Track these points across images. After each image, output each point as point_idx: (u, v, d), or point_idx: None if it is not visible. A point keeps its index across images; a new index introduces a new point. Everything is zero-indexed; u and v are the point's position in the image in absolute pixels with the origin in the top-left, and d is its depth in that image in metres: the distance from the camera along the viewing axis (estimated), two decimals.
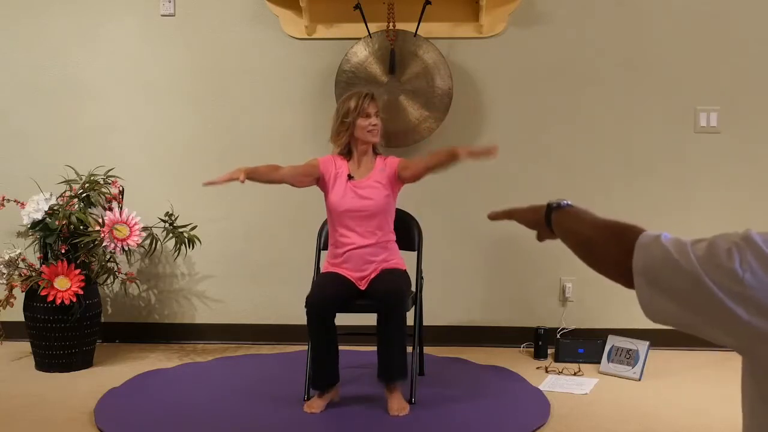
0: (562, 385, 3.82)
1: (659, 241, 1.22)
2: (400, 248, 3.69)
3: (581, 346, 4.19)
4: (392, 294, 3.41)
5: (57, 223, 3.96)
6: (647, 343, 4.00)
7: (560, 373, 4.01)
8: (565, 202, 1.49)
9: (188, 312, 4.60)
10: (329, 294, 3.45)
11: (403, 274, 3.57)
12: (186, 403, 3.56)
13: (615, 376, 3.96)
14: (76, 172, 4.13)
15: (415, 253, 3.80)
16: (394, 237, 3.65)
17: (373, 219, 3.55)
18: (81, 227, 3.98)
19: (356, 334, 3.78)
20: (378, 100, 3.63)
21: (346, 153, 3.62)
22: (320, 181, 3.61)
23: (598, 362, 4.07)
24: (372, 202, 3.54)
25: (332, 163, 3.61)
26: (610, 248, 1.30)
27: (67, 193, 4.08)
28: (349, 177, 3.57)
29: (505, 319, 4.48)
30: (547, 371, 4.04)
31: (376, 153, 3.65)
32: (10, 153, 4.54)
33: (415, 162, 3.64)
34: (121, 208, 4.04)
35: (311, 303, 3.39)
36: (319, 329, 3.41)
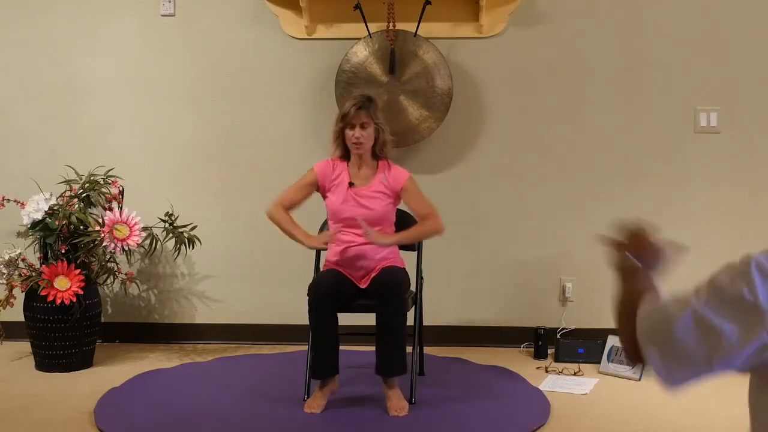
0: (562, 385, 3.82)
1: (656, 307, 1.22)
2: (400, 248, 3.69)
3: (581, 346, 4.19)
4: (391, 285, 3.43)
5: (57, 223, 3.96)
6: None
7: (560, 373, 4.01)
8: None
9: (188, 312, 4.60)
10: (331, 283, 3.47)
11: (403, 271, 3.57)
12: (186, 403, 3.56)
13: (615, 376, 3.96)
14: (76, 172, 4.13)
15: (415, 253, 3.79)
16: None
17: (374, 226, 3.54)
18: (81, 227, 3.98)
19: (356, 334, 3.78)
20: (372, 109, 3.54)
21: (345, 156, 3.62)
22: (319, 189, 3.62)
23: (598, 362, 4.07)
24: (373, 212, 3.53)
25: (330, 168, 3.60)
26: (625, 329, 1.33)
27: (67, 193, 4.08)
28: (351, 184, 3.56)
29: (505, 319, 4.48)
30: (547, 371, 4.04)
31: (378, 158, 3.61)
32: (10, 153, 4.55)
33: (415, 208, 3.62)
34: (121, 208, 4.04)
35: (313, 290, 3.41)
36: (320, 317, 3.41)
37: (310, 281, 3.63)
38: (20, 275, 4.05)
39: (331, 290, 3.44)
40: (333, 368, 3.48)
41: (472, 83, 4.40)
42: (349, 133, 3.53)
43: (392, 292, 3.41)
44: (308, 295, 3.42)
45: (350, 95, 3.72)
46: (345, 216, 3.54)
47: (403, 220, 3.80)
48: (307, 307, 3.43)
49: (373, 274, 3.53)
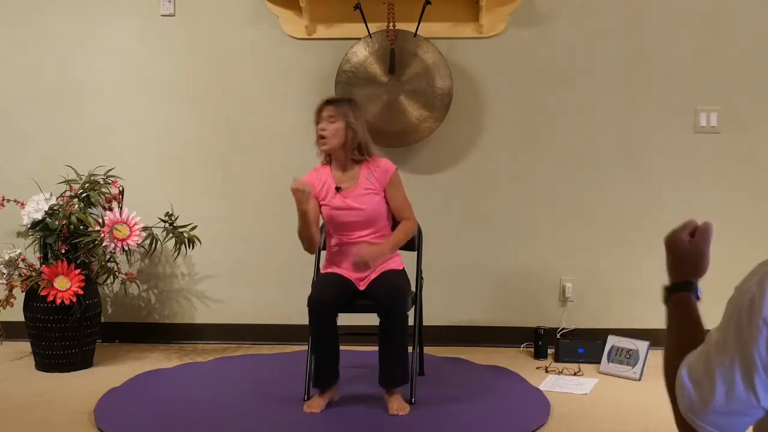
0: (562, 385, 3.82)
1: (683, 379, 1.27)
2: (400, 248, 3.68)
3: (581, 346, 4.19)
4: (392, 297, 3.40)
5: (57, 223, 3.96)
6: (647, 343, 4.00)
7: (560, 373, 4.01)
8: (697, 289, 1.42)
9: (188, 312, 4.60)
10: (330, 293, 3.44)
11: (402, 274, 3.56)
12: (186, 403, 3.56)
13: (615, 376, 3.96)
14: (76, 172, 4.13)
15: (415, 253, 3.79)
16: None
17: (369, 226, 3.53)
18: (81, 227, 3.98)
19: (356, 334, 3.78)
20: (343, 106, 3.50)
21: (328, 160, 3.60)
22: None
23: (598, 362, 4.07)
24: (366, 211, 3.51)
25: (317, 177, 3.58)
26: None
27: (67, 193, 4.08)
28: (338, 189, 3.53)
29: (505, 319, 4.48)
30: (547, 371, 4.04)
31: (359, 160, 3.54)
32: (10, 153, 4.55)
33: (396, 204, 3.57)
34: (121, 208, 4.04)
35: (313, 303, 3.39)
36: (320, 328, 3.40)
37: (310, 283, 3.64)
38: (20, 275, 4.05)
39: (330, 301, 3.40)
40: (333, 377, 3.48)
41: (472, 83, 4.40)
42: (316, 128, 3.51)
43: (392, 304, 3.38)
44: (308, 305, 3.39)
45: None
46: (339, 221, 3.53)
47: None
48: (306, 307, 3.42)
49: (372, 276, 3.52)
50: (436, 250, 4.23)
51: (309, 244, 3.51)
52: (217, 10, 4.44)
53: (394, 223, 3.65)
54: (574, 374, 3.98)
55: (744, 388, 1.20)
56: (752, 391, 1.19)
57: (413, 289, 3.63)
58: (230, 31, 4.45)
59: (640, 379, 3.91)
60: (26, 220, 4.04)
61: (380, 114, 4.27)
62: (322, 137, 3.49)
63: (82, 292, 3.94)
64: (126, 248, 4.02)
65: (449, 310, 4.47)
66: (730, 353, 1.21)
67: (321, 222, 3.68)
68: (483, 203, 4.45)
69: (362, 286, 3.52)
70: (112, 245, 3.96)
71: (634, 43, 4.34)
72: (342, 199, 3.52)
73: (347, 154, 3.53)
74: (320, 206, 3.58)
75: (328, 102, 3.53)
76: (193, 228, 4.18)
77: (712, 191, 4.37)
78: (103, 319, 4.30)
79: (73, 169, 4.13)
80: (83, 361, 4.09)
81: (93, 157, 4.33)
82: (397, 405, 3.40)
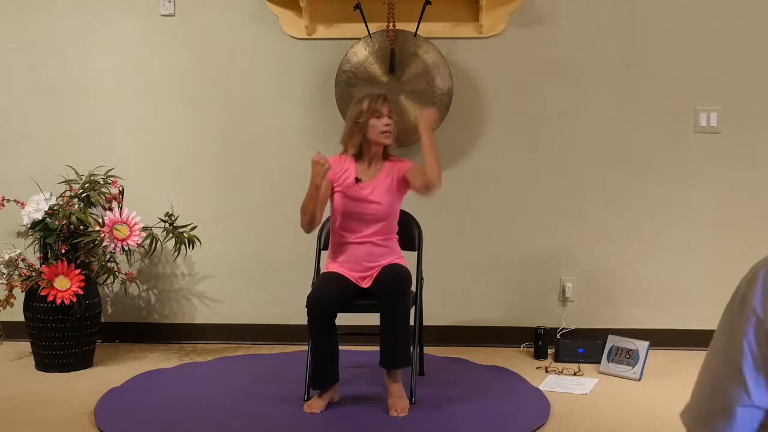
0: (562, 385, 3.82)
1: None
2: (400, 248, 3.68)
3: (581, 346, 4.19)
4: (395, 279, 3.43)
5: (57, 223, 3.95)
6: (647, 343, 4.00)
7: (560, 373, 4.01)
8: None
9: (188, 312, 4.60)
10: (330, 294, 3.44)
11: (406, 270, 3.57)
12: (186, 403, 3.56)
13: (615, 376, 3.96)
14: (76, 172, 4.13)
15: (415, 253, 3.79)
16: (396, 237, 3.65)
17: (378, 223, 3.54)
18: (81, 227, 3.98)
19: (356, 334, 3.78)
20: (390, 103, 3.61)
21: (357, 154, 3.61)
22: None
23: (598, 362, 4.07)
24: (378, 206, 3.53)
25: (339, 163, 3.60)
26: None
27: (67, 193, 4.08)
28: (357, 180, 3.55)
29: (505, 319, 4.48)
30: (547, 371, 4.04)
31: (386, 156, 3.61)
32: (10, 153, 4.55)
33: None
34: (121, 208, 4.04)
35: (312, 303, 3.38)
36: (319, 329, 3.40)
37: (310, 283, 3.63)
38: (20, 275, 4.05)
39: (330, 302, 3.40)
40: (333, 378, 3.48)
41: (472, 83, 4.40)
42: (378, 122, 3.52)
43: (396, 287, 3.41)
44: (306, 307, 3.39)
45: (360, 96, 3.67)
46: (349, 211, 3.54)
47: (404, 220, 3.80)
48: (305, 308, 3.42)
49: (375, 273, 3.53)
50: (436, 250, 4.23)
51: (309, 221, 3.51)
52: (217, 10, 4.44)
53: (399, 227, 3.67)
54: (574, 374, 3.98)
55: (733, 382, 1.18)
56: (742, 384, 1.17)
57: (413, 289, 3.63)
58: (230, 31, 4.45)
59: (640, 379, 3.91)
60: (26, 220, 4.04)
61: None
62: (389, 132, 3.54)
63: (82, 292, 3.94)
64: (126, 248, 4.01)
65: (449, 310, 4.47)
66: (719, 347, 1.20)
67: (324, 220, 3.68)
68: (483, 203, 4.45)
69: (366, 284, 3.52)
70: (112, 245, 3.96)
71: (634, 43, 4.34)
72: (359, 190, 3.53)
73: (388, 149, 3.60)
74: (332, 192, 3.59)
75: (387, 98, 3.59)
76: (193, 228, 4.18)
77: (712, 191, 4.37)
78: (103, 319, 4.30)
79: (73, 169, 4.13)
80: (83, 361, 4.09)
81: (93, 157, 4.33)
82: (398, 404, 3.39)
